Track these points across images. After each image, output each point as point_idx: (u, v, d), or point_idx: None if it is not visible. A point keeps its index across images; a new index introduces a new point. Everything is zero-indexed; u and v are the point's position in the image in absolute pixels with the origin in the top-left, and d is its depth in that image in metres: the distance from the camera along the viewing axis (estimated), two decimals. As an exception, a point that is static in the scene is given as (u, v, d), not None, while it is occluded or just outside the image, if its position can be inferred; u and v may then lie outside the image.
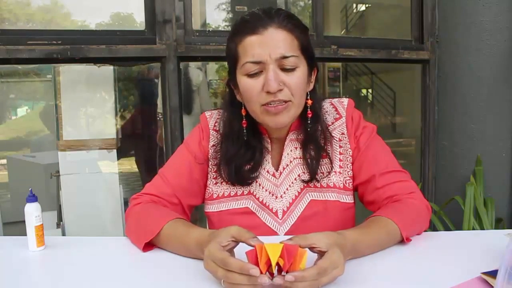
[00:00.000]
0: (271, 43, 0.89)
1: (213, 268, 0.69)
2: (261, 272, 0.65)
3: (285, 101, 0.91)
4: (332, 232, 0.74)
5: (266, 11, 0.91)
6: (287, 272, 0.65)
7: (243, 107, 0.98)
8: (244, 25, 0.91)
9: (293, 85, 0.91)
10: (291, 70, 0.91)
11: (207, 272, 0.71)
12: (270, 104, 0.90)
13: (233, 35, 0.94)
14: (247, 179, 1.01)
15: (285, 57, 0.89)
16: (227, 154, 1.00)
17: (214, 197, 1.03)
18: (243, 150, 1.00)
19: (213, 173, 1.04)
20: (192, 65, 2.95)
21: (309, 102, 0.98)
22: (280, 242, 0.67)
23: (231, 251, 0.73)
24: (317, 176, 0.99)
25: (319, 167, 1.00)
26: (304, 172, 1.00)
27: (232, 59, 0.94)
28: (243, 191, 1.02)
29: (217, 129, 1.05)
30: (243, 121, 0.98)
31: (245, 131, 0.98)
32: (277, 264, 0.66)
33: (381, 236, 0.85)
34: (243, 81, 0.92)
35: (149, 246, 0.89)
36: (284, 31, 0.90)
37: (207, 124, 1.06)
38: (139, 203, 0.99)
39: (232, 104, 1.01)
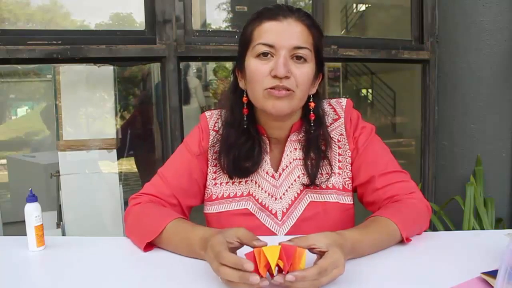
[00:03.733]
0: (288, 32, 0.91)
1: (210, 260, 0.69)
2: (261, 276, 0.65)
3: (288, 90, 0.91)
4: (331, 232, 0.74)
5: (289, 6, 0.94)
6: (287, 272, 0.65)
7: (245, 95, 0.98)
8: (266, 12, 0.94)
9: (299, 76, 0.91)
10: (302, 61, 0.92)
11: (207, 272, 0.71)
12: (274, 89, 0.91)
13: (252, 20, 0.95)
14: (245, 170, 1.00)
15: (298, 48, 0.91)
16: (228, 141, 1.00)
17: (213, 198, 1.03)
18: (243, 139, 0.99)
19: (213, 174, 1.04)
20: (191, 73, 3.36)
21: (312, 105, 0.98)
22: (279, 243, 0.67)
23: (234, 251, 0.73)
24: (317, 181, 0.99)
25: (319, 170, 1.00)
26: (303, 174, 1.00)
27: (245, 42, 0.95)
28: (242, 192, 1.01)
29: (217, 129, 1.05)
30: (245, 109, 0.98)
31: (245, 118, 0.98)
32: (277, 265, 0.66)
33: (381, 236, 0.85)
34: (252, 63, 0.93)
35: (150, 246, 0.89)
36: (302, 25, 0.92)
37: (207, 124, 1.06)
38: (138, 203, 0.99)
39: (235, 91, 1.01)
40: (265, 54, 0.91)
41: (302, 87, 0.92)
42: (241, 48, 0.97)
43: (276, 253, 0.65)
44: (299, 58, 0.91)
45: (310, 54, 0.93)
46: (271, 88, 0.90)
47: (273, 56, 0.91)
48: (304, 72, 0.92)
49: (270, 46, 0.91)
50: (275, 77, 0.90)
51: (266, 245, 0.68)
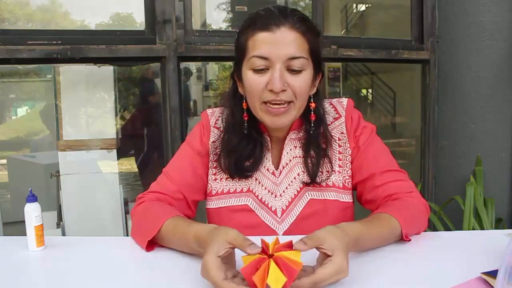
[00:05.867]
0: (282, 43, 0.89)
1: (209, 281, 0.68)
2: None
3: (287, 102, 0.91)
4: (338, 231, 0.72)
5: (282, 10, 0.92)
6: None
7: (244, 100, 0.98)
8: (258, 20, 0.91)
9: (297, 87, 0.91)
10: (297, 72, 0.91)
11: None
12: (272, 104, 0.91)
13: (246, 28, 0.94)
14: (246, 171, 1.00)
15: (293, 58, 0.90)
16: (229, 146, 1.00)
17: (213, 193, 1.04)
18: (244, 143, 1.00)
19: (213, 169, 1.04)
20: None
21: (312, 105, 0.98)
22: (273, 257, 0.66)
23: (230, 257, 0.72)
24: (317, 179, 0.99)
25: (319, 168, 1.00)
26: (303, 172, 1.00)
27: (241, 51, 0.94)
28: (242, 188, 1.02)
29: (218, 126, 1.05)
30: (244, 114, 0.98)
31: (245, 124, 0.99)
32: None
33: (383, 230, 0.85)
34: (249, 76, 0.92)
35: (152, 245, 0.89)
36: (296, 33, 0.90)
37: (208, 122, 1.07)
38: (143, 201, 0.99)
39: (235, 96, 1.01)
40: (260, 67, 0.90)
41: (300, 96, 0.92)
42: (237, 56, 0.97)
43: (281, 283, 0.63)
44: (294, 69, 0.91)
45: (307, 62, 0.92)
46: (269, 102, 0.91)
47: (268, 69, 0.90)
48: (301, 82, 0.91)
49: (265, 58, 0.89)
50: (271, 91, 0.89)
51: (259, 250, 0.67)
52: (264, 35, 0.90)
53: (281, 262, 0.65)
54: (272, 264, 0.65)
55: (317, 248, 0.69)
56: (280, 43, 0.89)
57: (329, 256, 0.68)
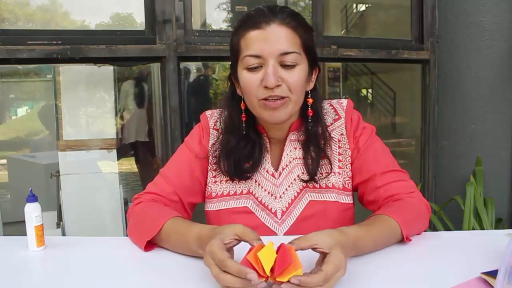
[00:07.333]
0: (273, 39, 0.90)
1: (210, 266, 0.69)
2: (265, 276, 0.64)
3: (282, 97, 0.91)
4: (333, 231, 0.74)
5: (271, 8, 0.92)
6: (275, 277, 0.64)
7: (242, 101, 0.98)
8: (248, 20, 0.92)
9: (291, 82, 0.91)
10: (291, 67, 0.91)
11: (207, 272, 0.70)
12: (268, 99, 0.91)
13: (237, 29, 0.95)
14: (246, 173, 1.01)
15: (285, 53, 0.90)
16: (227, 147, 1.00)
17: (213, 196, 1.03)
18: (242, 144, 1.00)
19: (213, 172, 1.04)
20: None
21: (310, 101, 0.98)
22: (281, 244, 0.67)
23: (231, 249, 0.73)
24: (316, 177, 0.99)
25: (319, 168, 1.00)
26: (303, 173, 1.00)
27: (234, 52, 0.95)
28: (242, 190, 1.02)
29: (217, 128, 1.05)
30: (243, 115, 0.99)
31: (244, 124, 0.99)
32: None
33: (382, 233, 0.85)
34: (243, 75, 0.93)
35: (150, 245, 0.89)
36: (286, 28, 0.91)
37: (207, 123, 1.07)
38: (140, 202, 0.99)
39: (233, 98, 1.01)
40: (254, 65, 0.91)
41: (295, 91, 0.92)
42: (232, 58, 0.97)
43: (271, 259, 0.64)
44: (288, 65, 0.91)
45: (300, 56, 0.92)
46: (265, 99, 0.91)
47: (262, 66, 0.91)
48: (295, 76, 0.91)
49: (257, 56, 0.90)
50: (266, 87, 0.90)
51: (263, 246, 0.67)
52: (255, 33, 0.90)
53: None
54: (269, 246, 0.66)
55: (314, 249, 0.70)
56: (271, 40, 0.89)
57: (326, 254, 0.68)
